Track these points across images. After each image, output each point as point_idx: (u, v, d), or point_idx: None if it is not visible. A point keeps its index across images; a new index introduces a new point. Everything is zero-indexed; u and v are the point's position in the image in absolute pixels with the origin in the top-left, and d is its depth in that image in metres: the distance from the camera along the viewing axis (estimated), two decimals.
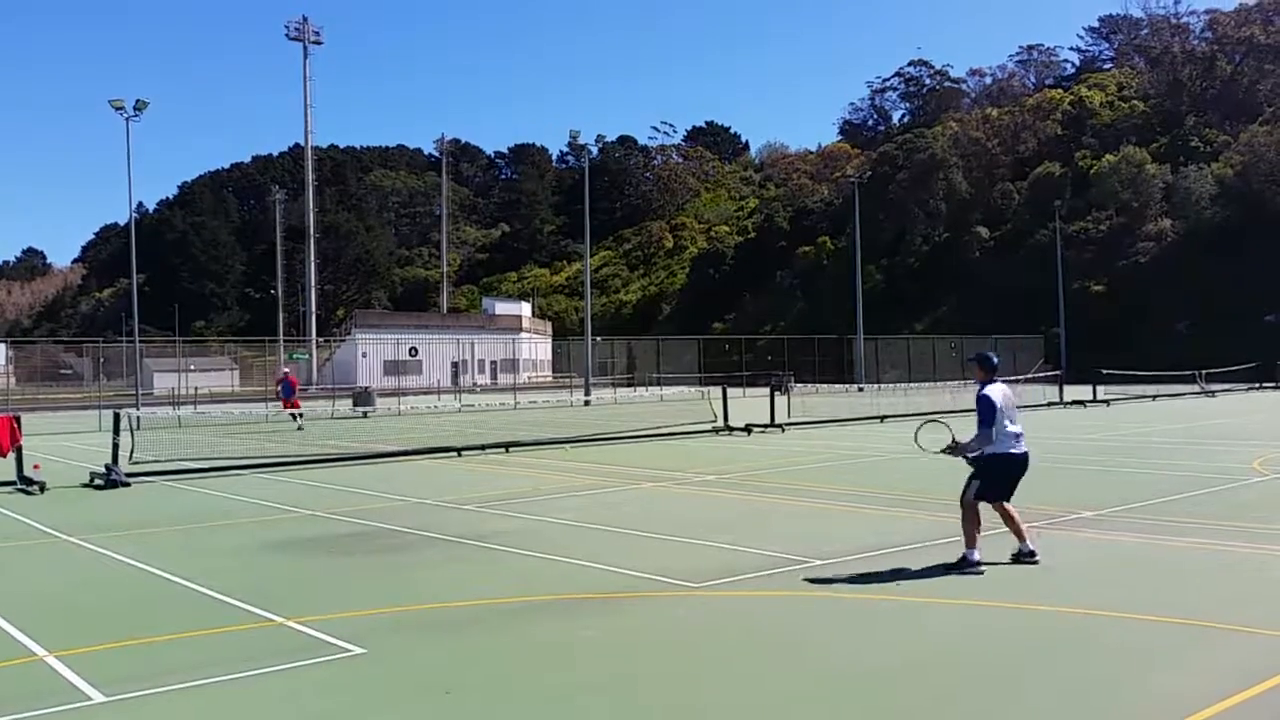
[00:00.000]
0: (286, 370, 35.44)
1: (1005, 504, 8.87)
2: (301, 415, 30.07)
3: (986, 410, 8.79)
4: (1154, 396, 37.31)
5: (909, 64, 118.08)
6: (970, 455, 8.96)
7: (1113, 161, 71.94)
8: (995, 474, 8.85)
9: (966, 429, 9.15)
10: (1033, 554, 8.79)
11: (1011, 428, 8.87)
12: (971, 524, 8.75)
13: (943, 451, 9.15)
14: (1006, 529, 8.85)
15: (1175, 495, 12.60)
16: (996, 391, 8.86)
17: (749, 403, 31.16)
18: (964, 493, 8.92)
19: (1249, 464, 15.89)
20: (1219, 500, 12.18)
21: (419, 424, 31.36)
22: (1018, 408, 9.15)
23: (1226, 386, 42.28)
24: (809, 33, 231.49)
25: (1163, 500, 12.21)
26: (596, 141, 59.07)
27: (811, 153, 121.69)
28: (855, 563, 8.83)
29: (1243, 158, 66.91)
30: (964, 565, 8.63)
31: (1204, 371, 41.16)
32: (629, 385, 62.23)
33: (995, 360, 9.28)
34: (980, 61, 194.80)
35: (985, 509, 8.81)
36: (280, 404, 31.50)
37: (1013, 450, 8.85)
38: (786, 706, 5.35)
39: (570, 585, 8.29)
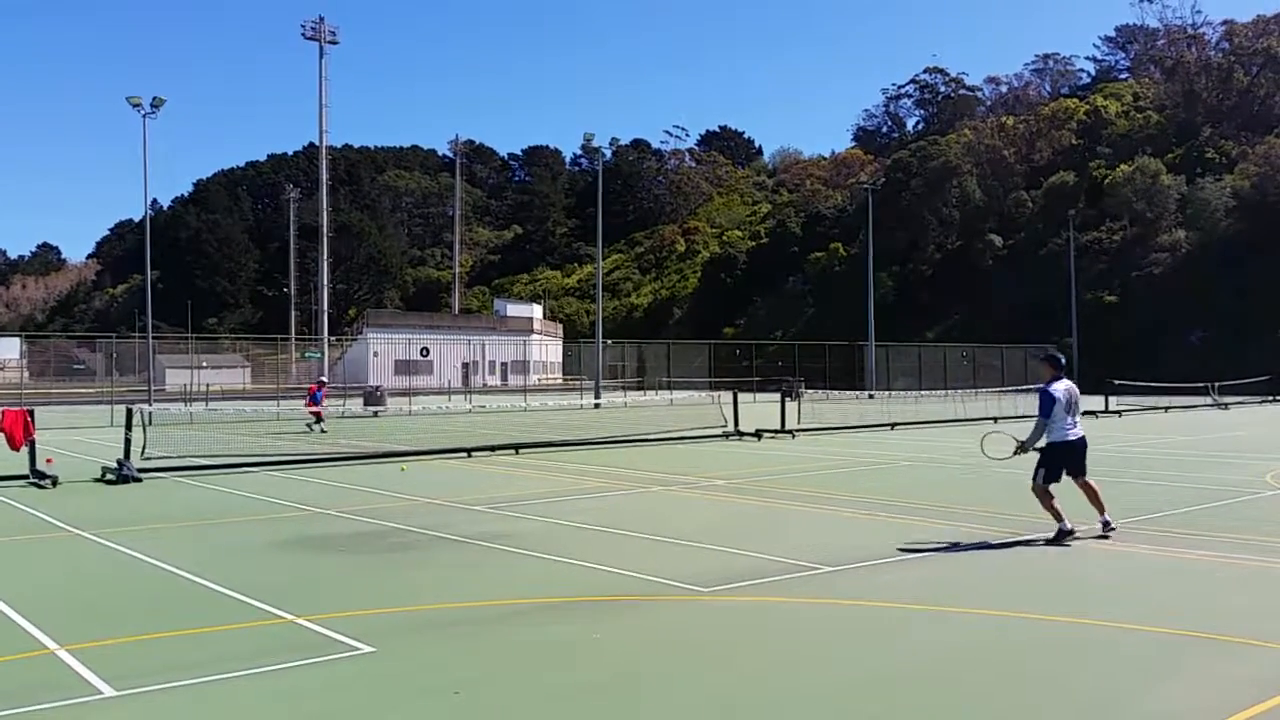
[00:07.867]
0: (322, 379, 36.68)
1: (1086, 479, 10.13)
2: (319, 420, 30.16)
3: (1046, 403, 10.04)
4: (1166, 408, 37.13)
5: (924, 71, 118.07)
6: (1035, 447, 10.13)
7: (1127, 171, 71.63)
8: (1055, 459, 9.99)
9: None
10: (1109, 525, 10.05)
11: (1069, 419, 10.04)
12: (1049, 504, 9.90)
13: (1014, 454, 10.41)
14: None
15: (1188, 508, 12.54)
16: (1059, 388, 10.09)
17: (759, 408, 31.12)
18: (1033, 481, 10.05)
19: (1262, 477, 15.81)
20: (1232, 513, 12.11)
21: (430, 424, 31.40)
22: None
23: (1240, 399, 42.08)
24: (824, 39, 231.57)
25: (1176, 513, 12.16)
26: (610, 144, 58.73)
27: (825, 159, 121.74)
28: (866, 569, 8.81)
29: (1259, 169, 66.53)
30: (1060, 538, 9.76)
31: (1217, 384, 40.99)
32: (639, 389, 62.19)
33: (1063, 360, 10.59)
34: (996, 70, 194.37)
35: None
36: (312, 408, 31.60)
37: (1069, 436, 10.04)
38: (791, 713, 5.33)
39: (578, 588, 8.29)
